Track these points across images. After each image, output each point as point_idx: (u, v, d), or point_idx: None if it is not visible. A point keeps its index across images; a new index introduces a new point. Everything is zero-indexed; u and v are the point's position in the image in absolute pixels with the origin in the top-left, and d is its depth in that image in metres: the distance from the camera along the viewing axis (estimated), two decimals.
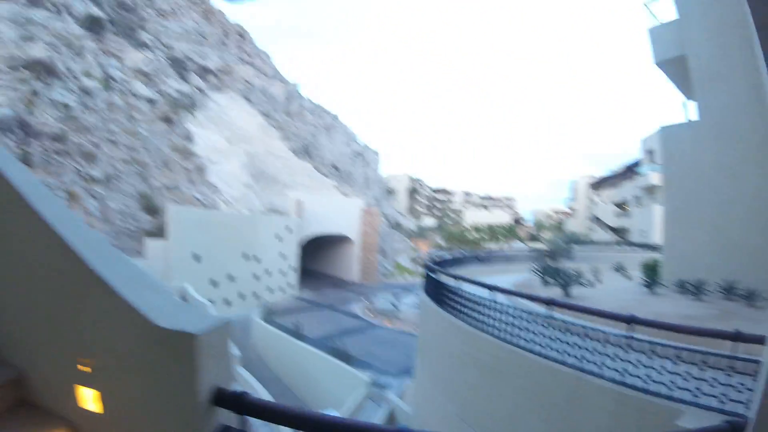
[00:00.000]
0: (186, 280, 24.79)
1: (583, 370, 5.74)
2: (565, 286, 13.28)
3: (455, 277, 8.94)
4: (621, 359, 5.38)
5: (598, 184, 76.78)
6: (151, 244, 26.35)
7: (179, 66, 49.88)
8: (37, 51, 28.05)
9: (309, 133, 70.77)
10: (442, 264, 17.12)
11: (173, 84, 43.87)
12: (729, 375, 4.62)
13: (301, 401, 18.50)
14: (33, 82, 26.47)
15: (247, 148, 47.86)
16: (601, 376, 5.53)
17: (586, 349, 5.73)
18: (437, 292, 9.87)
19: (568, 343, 5.97)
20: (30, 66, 27.15)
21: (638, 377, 5.21)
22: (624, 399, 5.19)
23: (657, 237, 41.45)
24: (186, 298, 21.30)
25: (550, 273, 15.56)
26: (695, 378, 4.80)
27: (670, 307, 11.60)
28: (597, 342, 5.63)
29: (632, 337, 5.34)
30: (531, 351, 6.48)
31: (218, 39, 71.82)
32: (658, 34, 17.08)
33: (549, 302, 6.39)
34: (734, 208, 13.71)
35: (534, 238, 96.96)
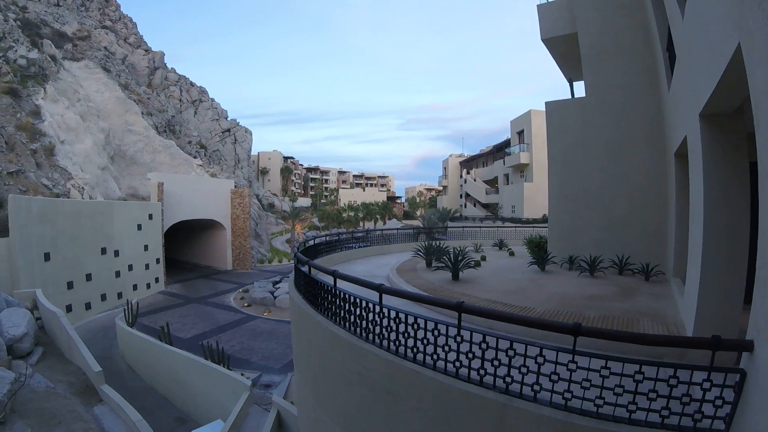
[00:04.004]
0: (36, 284, 21.54)
1: (511, 394, 4.47)
2: (453, 268, 12.34)
3: (329, 273, 7.26)
4: (563, 379, 4.18)
5: (469, 163, 78.74)
6: None
7: (32, 30, 44.68)
8: None
9: (174, 107, 66.27)
10: (315, 249, 16.00)
11: (23, 51, 38.49)
12: (706, 389, 3.69)
13: (182, 413, 16.61)
14: None
15: (103, 125, 43.57)
16: (537, 401, 4.32)
17: (515, 368, 4.44)
18: (309, 289, 8.32)
19: (489, 360, 4.65)
20: None
21: (589, 400, 4.05)
22: (572, 429, 4.03)
23: (526, 212, 43.39)
24: (37, 307, 18.19)
25: (435, 254, 14.88)
26: (662, 396, 3.79)
27: (569, 286, 11.00)
28: (530, 358, 4.36)
29: (578, 352, 4.13)
30: (437, 370, 5.13)
31: (79, 0, 65.50)
32: (547, 11, 17.10)
33: (459, 308, 4.97)
34: (621, 184, 13.82)
35: (408, 215, 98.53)
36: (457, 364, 4.97)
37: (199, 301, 33.55)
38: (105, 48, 59.94)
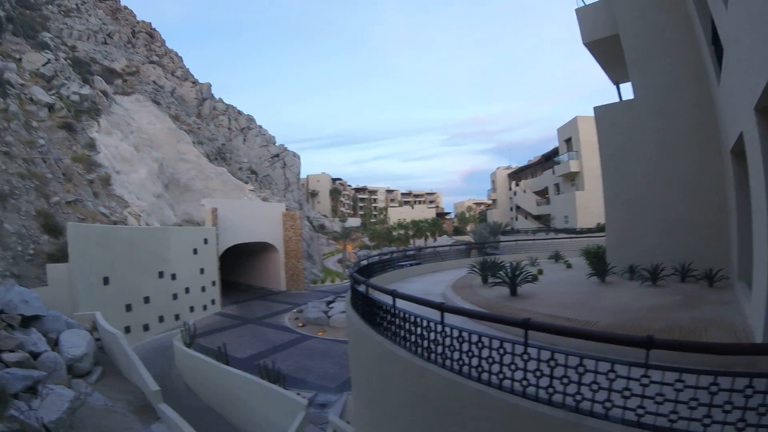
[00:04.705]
0: (96, 307, 22.22)
1: (582, 413, 4.30)
2: (511, 283, 11.96)
3: (388, 293, 7.19)
4: (635, 394, 4.04)
5: (517, 174, 77.86)
6: (54, 270, 22.94)
7: (82, 68, 46.80)
8: None
9: (223, 136, 68.19)
10: (369, 268, 15.79)
11: (75, 88, 40.23)
12: None
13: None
14: None
15: (156, 155, 45.02)
16: (609, 419, 4.15)
17: (586, 385, 4.31)
18: (367, 309, 8.24)
19: (558, 378, 4.51)
20: None
21: (662, 416, 3.87)
22: None
23: (580, 222, 42.44)
24: (96, 329, 18.78)
25: (491, 269, 14.43)
26: (737, 407, 3.61)
27: (631, 297, 10.67)
28: (600, 374, 4.21)
29: (651, 365, 3.99)
30: (503, 389, 4.96)
31: (125, 38, 68.77)
32: (587, 13, 16.87)
33: (525, 325, 4.86)
34: (676, 186, 13.38)
35: (458, 230, 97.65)
36: (525, 382, 4.81)
37: (254, 321, 34.04)
38: (154, 82, 62.49)
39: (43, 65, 39.12)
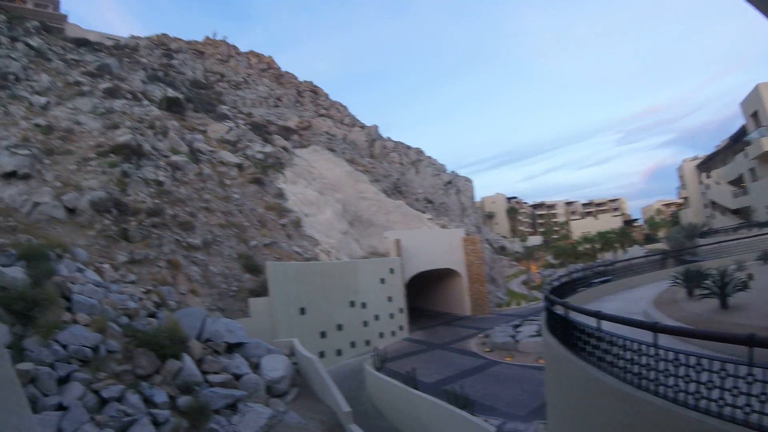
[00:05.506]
0: (293, 334, 24.43)
1: None
2: (720, 294, 10.55)
3: (591, 314, 6.81)
4: None
5: (706, 165, 69.94)
6: (255, 303, 26.20)
7: (261, 130, 53.99)
8: (122, 136, 30.31)
9: (396, 171, 71.52)
10: (563, 289, 15.10)
11: (258, 147, 47.07)
12: None
13: None
14: (122, 164, 28.22)
15: (338, 197, 49.35)
16: None
17: None
18: (565, 332, 7.94)
19: None
20: (117, 150, 29.26)
21: None
22: None
23: None
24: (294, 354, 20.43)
25: (696, 280, 12.85)
26: None
27: None
28: None
29: None
30: (724, 419, 4.46)
31: (293, 99, 76.10)
32: None
33: (750, 342, 4.23)
34: None
35: (650, 238, 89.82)
36: (747, 409, 4.28)
37: (441, 346, 34.48)
38: (326, 132, 69.35)
39: (227, 132, 46.64)
